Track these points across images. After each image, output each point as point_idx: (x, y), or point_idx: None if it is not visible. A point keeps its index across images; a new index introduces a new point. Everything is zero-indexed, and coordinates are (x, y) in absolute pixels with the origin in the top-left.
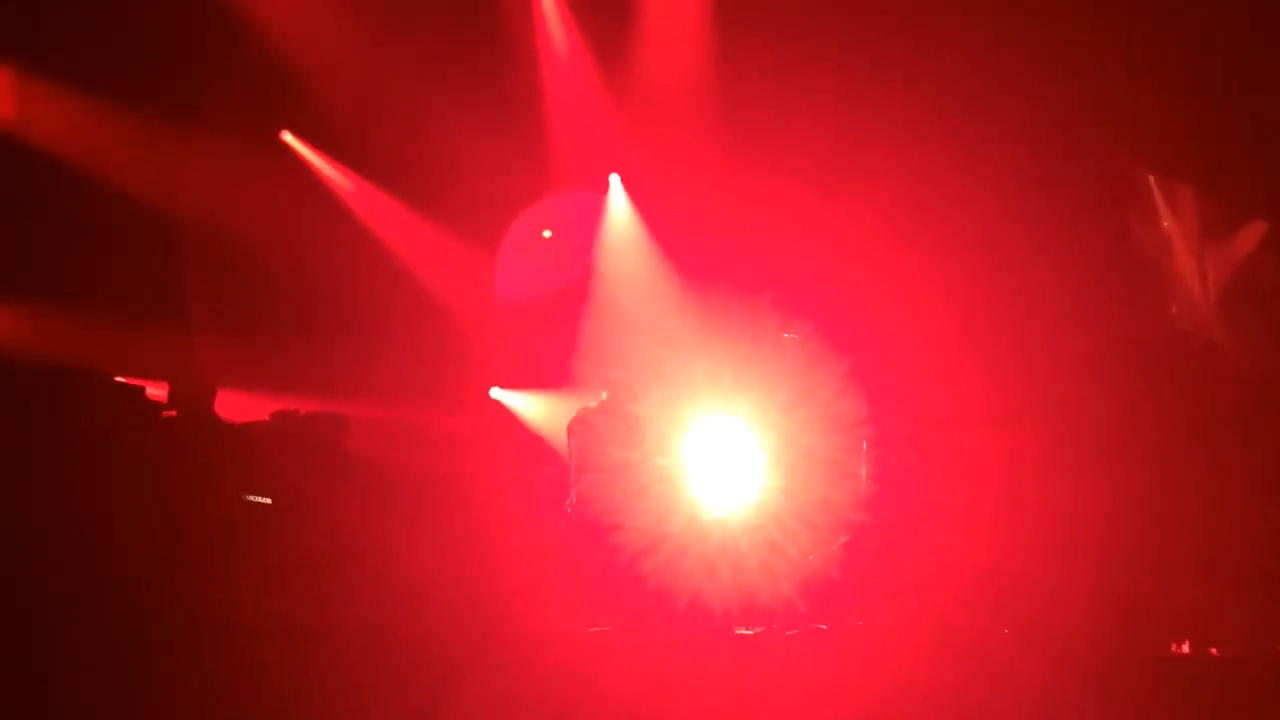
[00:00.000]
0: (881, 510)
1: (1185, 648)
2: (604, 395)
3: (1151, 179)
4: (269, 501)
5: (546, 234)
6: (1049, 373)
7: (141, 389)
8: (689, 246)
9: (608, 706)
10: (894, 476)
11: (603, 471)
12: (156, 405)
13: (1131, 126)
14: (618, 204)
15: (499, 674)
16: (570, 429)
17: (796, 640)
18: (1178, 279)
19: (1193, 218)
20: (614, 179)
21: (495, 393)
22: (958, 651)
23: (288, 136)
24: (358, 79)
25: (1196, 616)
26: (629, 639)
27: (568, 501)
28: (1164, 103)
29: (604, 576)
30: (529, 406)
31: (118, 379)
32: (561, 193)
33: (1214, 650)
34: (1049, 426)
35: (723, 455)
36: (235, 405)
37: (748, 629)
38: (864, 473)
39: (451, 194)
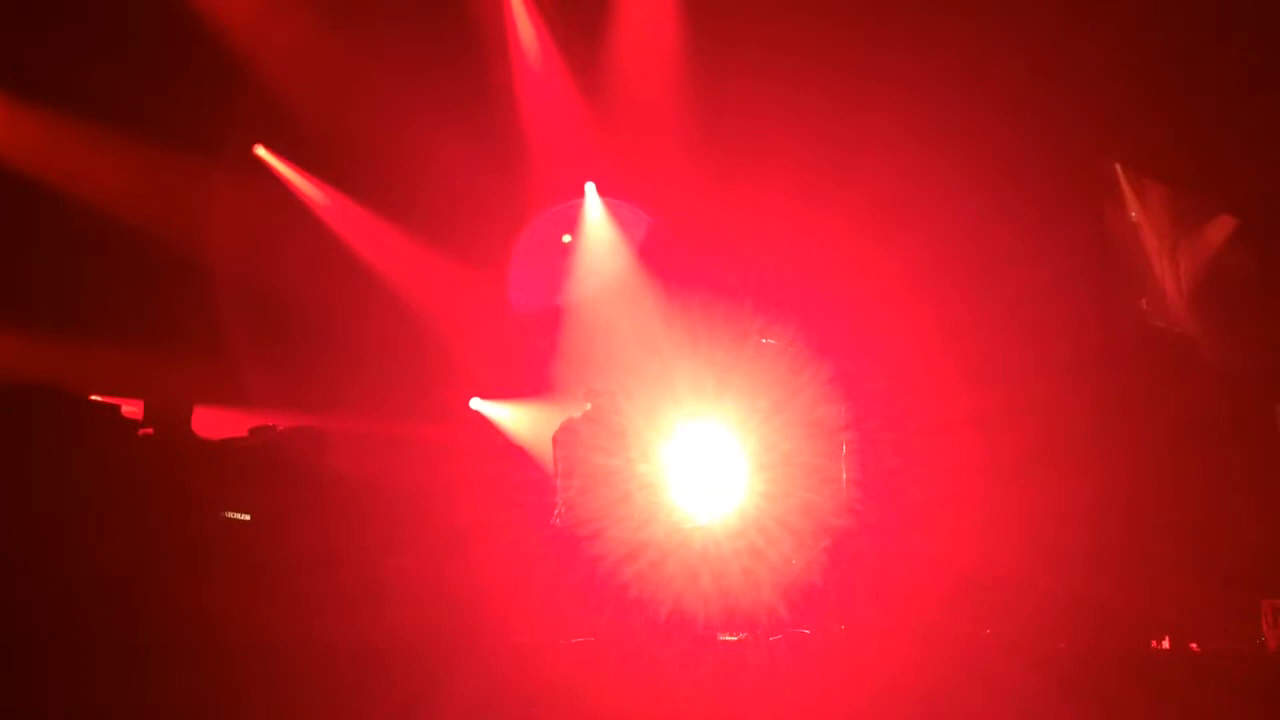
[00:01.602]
0: (863, 514)
1: (1165, 644)
2: (588, 406)
3: (1123, 176)
4: (248, 518)
5: (566, 239)
6: (1027, 375)
7: (117, 407)
8: (668, 253)
9: (591, 715)
10: (875, 481)
11: (585, 479)
12: (133, 423)
13: (1106, 126)
14: (594, 211)
15: (481, 685)
16: (556, 439)
17: (779, 645)
18: (1149, 275)
19: (1164, 214)
20: (590, 187)
21: (475, 403)
22: (940, 653)
23: (261, 151)
24: (330, 92)
25: (1175, 613)
26: (612, 647)
27: (556, 512)
28: (1138, 101)
29: (586, 584)
30: (509, 417)
31: (93, 397)
32: (541, 210)
33: (1194, 646)
34: (1027, 428)
35: (705, 461)
36: (213, 422)
37: (731, 635)
38: (845, 477)
39: (427, 205)
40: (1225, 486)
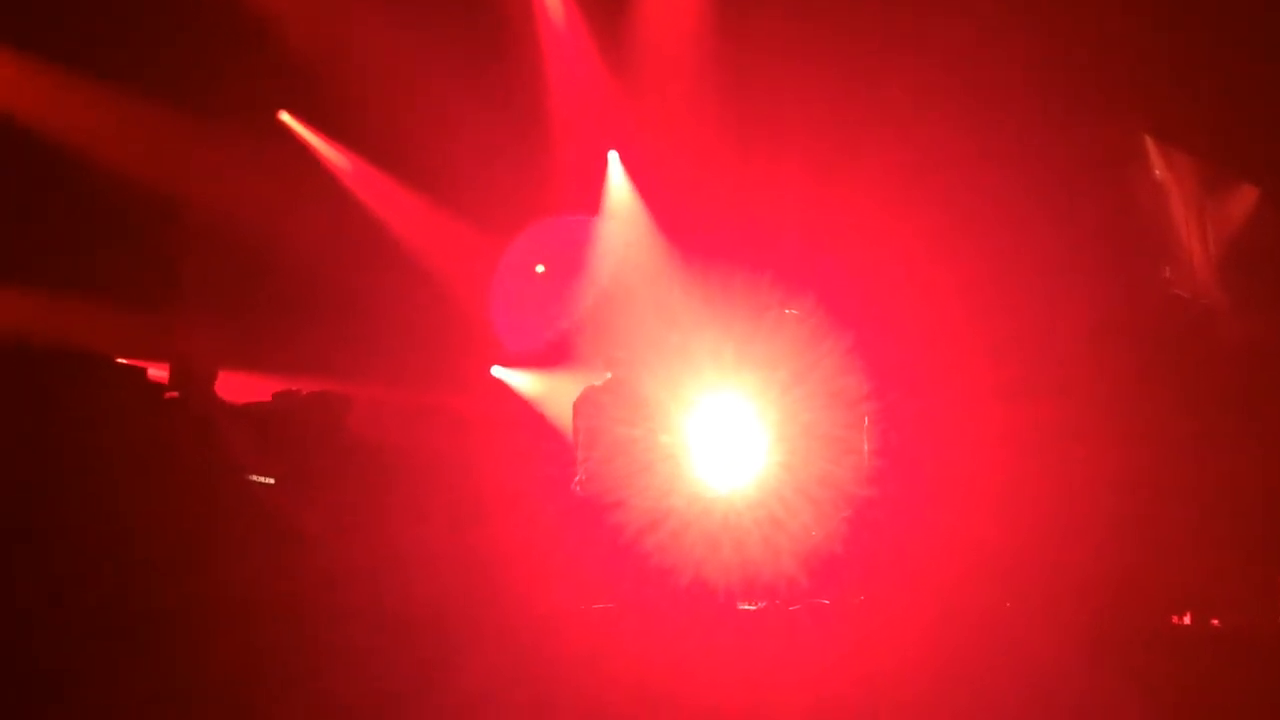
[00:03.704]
0: (883, 485)
1: (1186, 619)
2: (609, 374)
3: (1150, 144)
4: (272, 482)
5: (540, 269)
6: (1050, 346)
7: (143, 370)
8: (689, 223)
9: (611, 681)
10: (896, 451)
11: (607, 449)
12: (158, 386)
13: (1132, 93)
14: (617, 180)
15: (503, 651)
16: (576, 407)
17: (799, 615)
18: (1174, 245)
19: (1191, 183)
20: (613, 155)
21: (496, 371)
22: (959, 625)
23: (285, 116)
24: (355, 58)
25: (1197, 588)
26: (633, 615)
27: (576, 479)
28: (1165, 67)
29: (608, 553)
30: (530, 384)
31: (119, 360)
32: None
33: (1215, 621)
34: (1050, 400)
35: (725, 432)
36: (236, 386)
37: (750, 604)
38: (866, 448)
39: (450, 172)
40: (1249, 461)
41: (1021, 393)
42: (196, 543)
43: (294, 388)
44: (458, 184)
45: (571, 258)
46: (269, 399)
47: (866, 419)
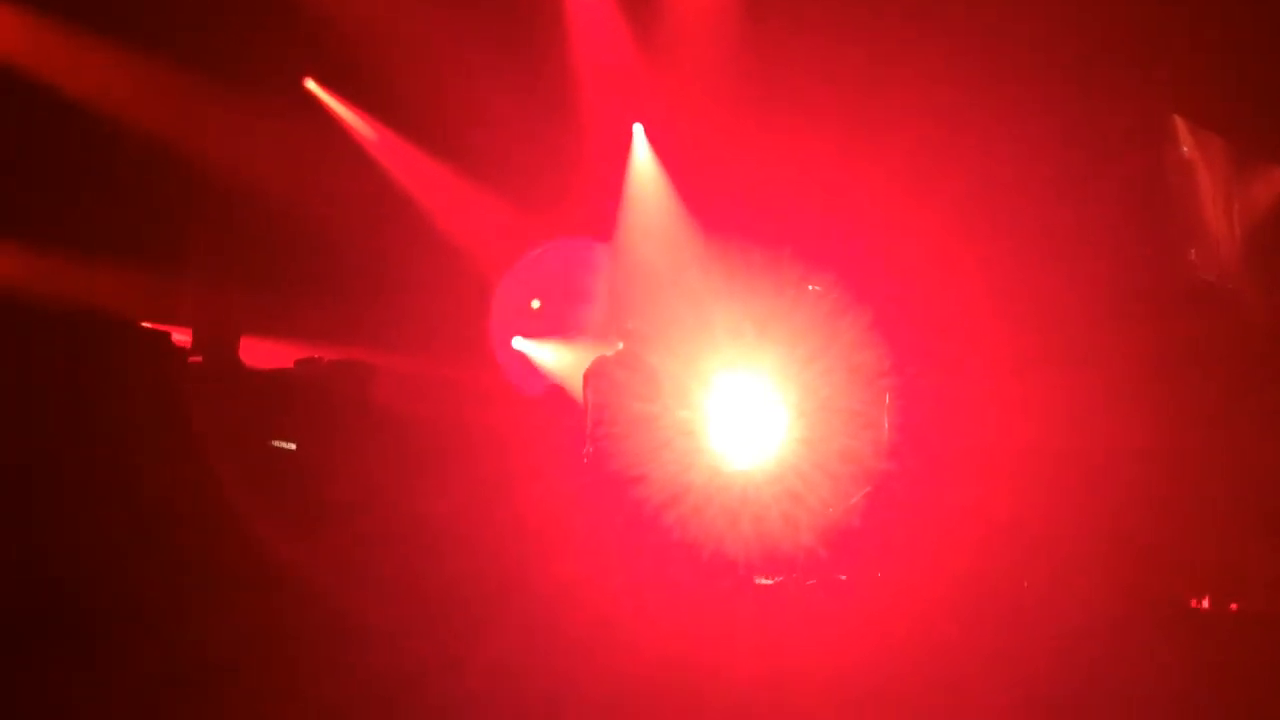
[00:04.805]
0: (903, 460)
1: (1205, 604)
2: (620, 345)
3: (1179, 124)
4: (293, 447)
5: (535, 304)
6: (1072, 323)
7: (168, 334)
8: (712, 197)
9: (630, 652)
10: (915, 427)
11: (624, 424)
12: (182, 350)
13: (1160, 71)
14: (641, 154)
15: (524, 622)
16: (586, 379)
17: (815, 590)
18: (1200, 226)
19: (1221, 166)
20: (638, 129)
21: (518, 342)
22: (976, 601)
23: (312, 85)
24: (382, 27)
25: (1217, 569)
26: (652, 588)
27: (584, 450)
28: (1194, 46)
29: (627, 528)
30: (551, 356)
31: (145, 324)
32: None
33: (1234, 606)
34: (1071, 379)
35: (745, 407)
36: (258, 352)
37: (768, 579)
38: (886, 423)
39: (476, 144)
40: (1270, 443)
41: (1042, 371)
42: (217, 507)
43: (316, 355)
44: (483, 156)
45: (579, 284)
46: (291, 365)
47: (887, 395)
